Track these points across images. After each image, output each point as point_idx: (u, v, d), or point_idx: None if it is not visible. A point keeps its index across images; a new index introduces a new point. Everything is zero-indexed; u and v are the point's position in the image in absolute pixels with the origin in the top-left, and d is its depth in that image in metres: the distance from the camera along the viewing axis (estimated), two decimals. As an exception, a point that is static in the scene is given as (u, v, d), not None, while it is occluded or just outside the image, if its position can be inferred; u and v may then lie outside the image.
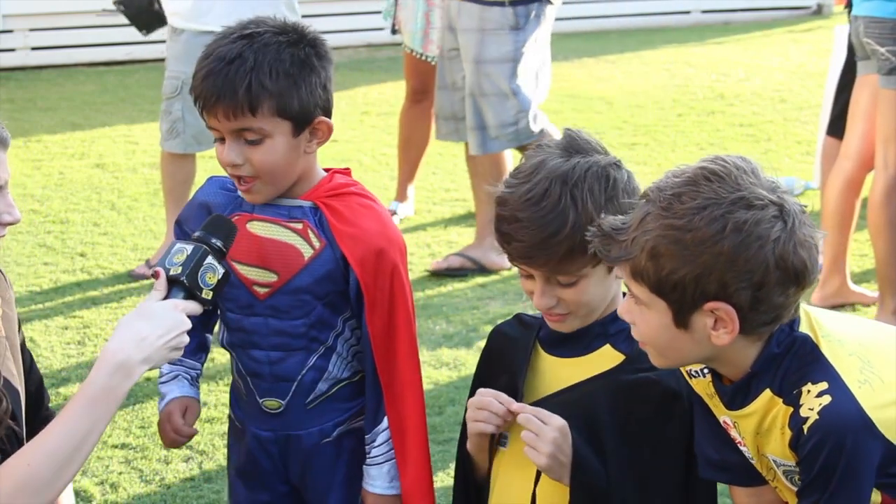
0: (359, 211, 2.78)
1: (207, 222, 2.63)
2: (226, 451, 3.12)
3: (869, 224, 5.51)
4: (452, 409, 4.55)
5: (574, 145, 2.52)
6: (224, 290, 2.70)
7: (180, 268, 2.51)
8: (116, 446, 4.39)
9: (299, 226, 2.76)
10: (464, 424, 2.73)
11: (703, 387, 2.48)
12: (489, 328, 5.37)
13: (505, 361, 2.66)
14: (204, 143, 5.90)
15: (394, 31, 6.51)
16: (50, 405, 2.84)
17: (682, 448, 2.52)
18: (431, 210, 6.89)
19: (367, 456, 2.87)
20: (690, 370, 2.48)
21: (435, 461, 4.26)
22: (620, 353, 2.55)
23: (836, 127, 5.90)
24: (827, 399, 2.25)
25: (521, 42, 5.77)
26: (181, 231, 2.88)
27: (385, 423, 2.83)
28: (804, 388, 2.29)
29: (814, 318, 2.38)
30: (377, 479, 2.86)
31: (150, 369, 2.46)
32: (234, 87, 2.64)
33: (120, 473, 4.25)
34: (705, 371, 2.45)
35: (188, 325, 2.49)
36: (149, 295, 2.52)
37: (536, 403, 2.55)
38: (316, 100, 2.72)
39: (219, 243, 2.58)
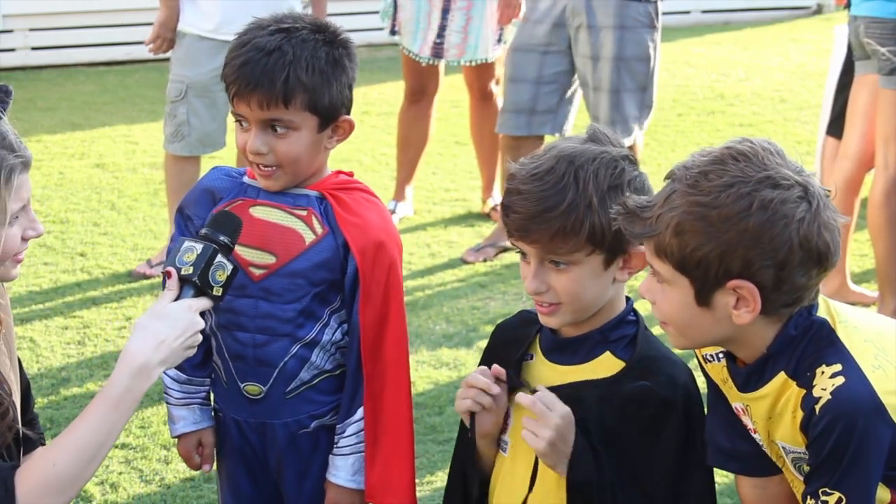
0: (363, 204, 2.86)
1: (213, 218, 2.69)
2: (226, 451, 3.12)
3: (869, 224, 5.51)
4: (452, 409, 4.54)
5: (593, 137, 2.54)
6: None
7: (192, 268, 2.58)
8: (116, 446, 4.39)
9: (304, 213, 2.82)
10: (462, 422, 2.73)
11: (717, 371, 2.49)
12: (489, 328, 5.39)
13: (505, 357, 2.66)
14: (209, 146, 5.91)
15: (392, 32, 6.51)
16: (34, 409, 2.87)
17: (673, 458, 2.50)
18: (431, 210, 6.89)
19: (335, 446, 2.89)
20: (706, 354, 2.50)
21: (435, 461, 4.28)
22: (620, 360, 2.54)
23: (836, 127, 5.90)
24: (840, 380, 2.27)
25: (656, 40, 5.85)
26: (182, 217, 2.93)
27: (358, 415, 2.86)
28: (818, 370, 2.30)
29: (832, 305, 2.41)
30: (341, 469, 2.89)
31: (167, 367, 2.55)
32: (271, 77, 2.70)
33: (120, 473, 4.25)
34: (720, 356, 2.47)
35: (202, 324, 2.56)
36: (162, 294, 2.60)
37: None
38: (343, 98, 2.80)
39: (226, 239, 2.64)
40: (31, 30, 9.93)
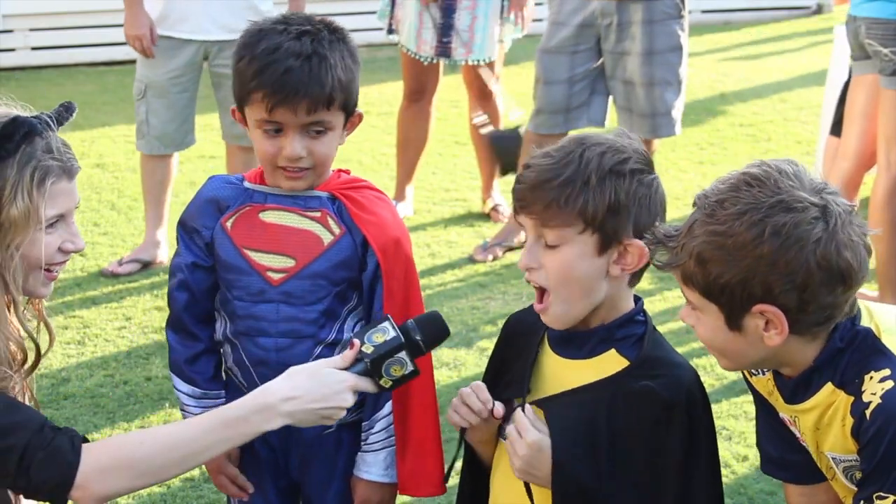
0: (375, 202, 2.88)
1: (424, 316, 2.62)
2: (226, 451, 3.12)
3: (870, 225, 5.48)
4: (452, 410, 4.54)
5: (616, 133, 2.58)
6: (233, 279, 2.78)
7: (372, 348, 2.52)
8: (116, 446, 4.38)
9: (317, 214, 2.83)
10: None
11: (763, 384, 2.53)
12: (489, 328, 5.39)
13: (517, 349, 2.67)
14: (170, 146, 5.91)
15: (390, 32, 6.50)
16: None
17: (679, 459, 2.49)
18: (431, 210, 6.89)
19: (363, 443, 2.89)
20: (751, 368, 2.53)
21: (435, 461, 4.27)
22: (626, 358, 2.54)
23: (840, 128, 5.89)
24: (890, 384, 2.29)
25: (685, 31, 5.89)
26: (186, 231, 2.90)
27: (386, 409, 2.87)
28: (866, 376, 2.32)
29: (875, 312, 2.42)
30: (372, 465, 2.89)
31: (295, 425, 2.47)
32: (320, 82, 2.72)
33: (120, 473, 4.24)
34: (765, 370, 2.49)
35: (349, 403, 2.49)
36: (336, 355, 2.57)
37: (539, 402, 2.56)
38: (358, 93, 2.84)
39: (420, 341, 2.55)
40: (31, 30, 9.93)
